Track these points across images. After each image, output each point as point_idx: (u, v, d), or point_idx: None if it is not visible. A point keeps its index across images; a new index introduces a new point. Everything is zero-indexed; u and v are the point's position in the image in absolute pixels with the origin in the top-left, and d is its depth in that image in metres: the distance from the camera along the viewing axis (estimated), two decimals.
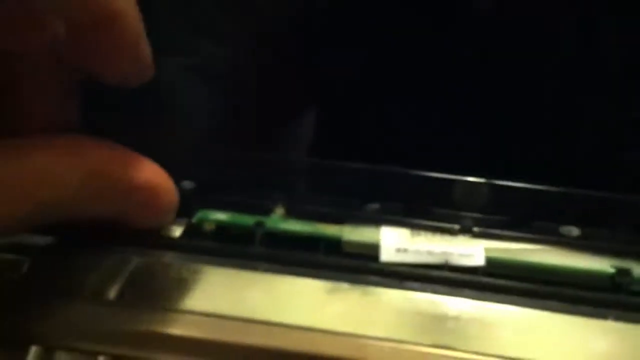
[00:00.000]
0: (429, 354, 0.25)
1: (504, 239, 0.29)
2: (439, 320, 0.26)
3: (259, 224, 0.30)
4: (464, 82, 0.29)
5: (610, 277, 0.28)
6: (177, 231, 0.31)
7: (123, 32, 0.22)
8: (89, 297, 0.27)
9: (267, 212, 0.31)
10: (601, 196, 0.29)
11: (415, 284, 0.28)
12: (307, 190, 0.31)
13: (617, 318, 0.26)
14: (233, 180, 0.31)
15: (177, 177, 0.31)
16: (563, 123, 0.29)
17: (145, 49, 0.24)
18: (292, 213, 0.31)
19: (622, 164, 0.29)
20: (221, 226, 0.31)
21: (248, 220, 0.30)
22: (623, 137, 0.29)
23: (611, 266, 0.28)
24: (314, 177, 0.31)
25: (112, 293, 0.27)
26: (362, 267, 0.28)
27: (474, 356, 0.25)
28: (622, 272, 0.28)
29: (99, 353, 0.27)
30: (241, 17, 0.31)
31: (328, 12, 0.30)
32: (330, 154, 0.30)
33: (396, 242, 0.29)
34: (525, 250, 0.29)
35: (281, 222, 0.30)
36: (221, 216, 0.31)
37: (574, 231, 0.29)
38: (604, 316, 0.26)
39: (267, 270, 0.28)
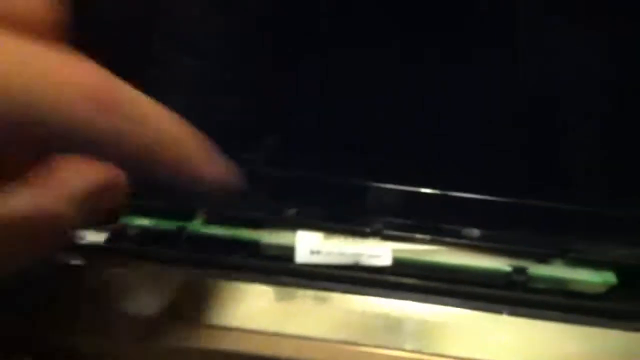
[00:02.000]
0: (338, 349, 0.27)
1: (410, 241, 0.31)
2: (349, 317, 0.28)
3: (181, 228, 0.31)
4: (377, 88, 0.31)
5: (507, 275, 0.30)
6: (102, 236, 0.32)
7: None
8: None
9: (189, 218, 0.32)
10: (499, 200, 0.31)
11: (327, 284, 0.29)
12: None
13: (512, 313, 0.29)
14: (156, 187, 0.32)
15: None
16: (463, 132, 0.31)
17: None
18: (213, 219, 0.32)
19: (522, 169, 0.32)
20: (146, 230, 0.32)
21: (171, 225, 0.32)
22: (518, 144, 0.31)
23: (508, 265, 0.30)
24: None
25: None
26: (278, 268, 0.30)
27: (377, 350, 0.27)
28: (518, 271, 0.30)
29: None
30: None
31: None
32: (250, 159, 0.32)
33: (310, 245, 0.31)
34: (430, 251, 0.31)
35: (203, 226, 0.32)
36: (145, 221, 0.32)
37: (475, 232, 0.31)
38: (499, 311, 0.29)
39: (188, 272, 0.30)
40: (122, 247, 0.31)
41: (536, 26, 0.30)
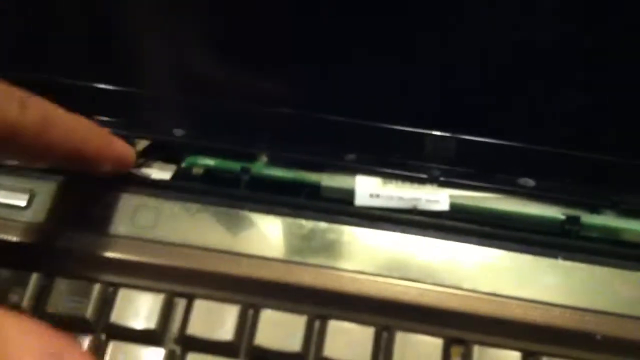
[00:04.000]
0: (398, 285, 0.29)
1: (467, 188, 0.32)
2: (407, 257, 0.29)
3: (245, 170, 0.32)
4: (429, 43, 0.32)
5: (561, 223, 0.31)
6: (167, 175, 0.33)
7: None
8: (93, 229, 0.30)
9: (252, 159, 0.33)
10: (554, 151, 0.32)
11: (386, 225, 0.30)
12: (290, 140, 0.33)
13: (565, 258, 0.30)
14: (221, 129, 0.33)
15: (168, 125, 0.34)
16: (519, 85, 0.32)
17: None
18: (276, 161, 0.33)
19: (572, 122, 0.32)
20: (209, 171, 0.33)
21: (234, 165, 0.33)
22: (574, 98, 0.31)
23: (562, 214, 0.31)
24: (297, 128, 0.33)
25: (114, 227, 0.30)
26: (339, 210, 0.31)
27: (437, 288, 0.29)
28: (572, 220, 0.31)
29: (95, 280, 0.29)
30: None
31: None
32: (311, 107, 0.33)
33: (370, 189, 0.32)
34: (486, 198, 0.32)
35: (265, 168, 0.33)
36: (209, 161, 0.33)
37: (530, 182, 0.32)
38: (554, 256, 0.30)
39: (251, 210, 0.31)
40: (186, 185, 0.32)
41: None
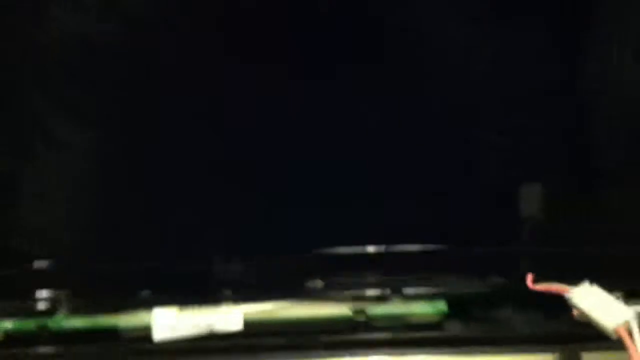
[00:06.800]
0: None
1: (259, 301, 0.33)
2: None
3: (42, 326, 0.33)
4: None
5: (349, 319, 0.33)
6: None
7: None
8: None
9: (52, 313, 0.33)
10: (338, 253, 0.34)
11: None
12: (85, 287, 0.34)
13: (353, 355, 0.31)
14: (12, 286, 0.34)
15: None
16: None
17: None
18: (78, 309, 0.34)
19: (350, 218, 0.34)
20: (8, 333, 0.33)
21: (31, 324, 0.33)
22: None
23: (350, 309, 0.33)
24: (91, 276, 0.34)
25: None
26: (138, 351, 0.32)
27: None
28: (358, 312, 0.33)
29: None
30: None
31: None
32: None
33: (167, 321, 0.33)
34: (279, 307, 0.33)
35: (64, 320, 0.33)
36: (7, 324, 0.33)
37: (319, 283, 0.34)
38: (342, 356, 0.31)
39: None
40: None
41: None
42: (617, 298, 0.31)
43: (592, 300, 0.31)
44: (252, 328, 0.32)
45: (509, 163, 0.34)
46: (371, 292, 0.33)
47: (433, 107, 0.33)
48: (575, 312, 0.31)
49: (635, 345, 0.28)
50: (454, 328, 0.32)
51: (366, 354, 0.31)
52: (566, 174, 0.34)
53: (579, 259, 0.33)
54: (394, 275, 0.34)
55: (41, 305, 0.34)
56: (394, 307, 0.33)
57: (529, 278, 0.32)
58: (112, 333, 0.33)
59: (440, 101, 0.33)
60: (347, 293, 0.33)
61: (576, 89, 0.34)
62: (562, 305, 0.32)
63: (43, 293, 0.34)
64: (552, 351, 0.31)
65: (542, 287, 0.32)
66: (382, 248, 0.34)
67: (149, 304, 0.33)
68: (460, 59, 0.33)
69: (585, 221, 0.33)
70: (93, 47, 0.32)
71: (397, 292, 0.33)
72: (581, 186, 0.34)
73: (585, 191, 0.34)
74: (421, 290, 0.33)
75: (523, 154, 0.34)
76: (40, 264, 0.34)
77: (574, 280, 0.31)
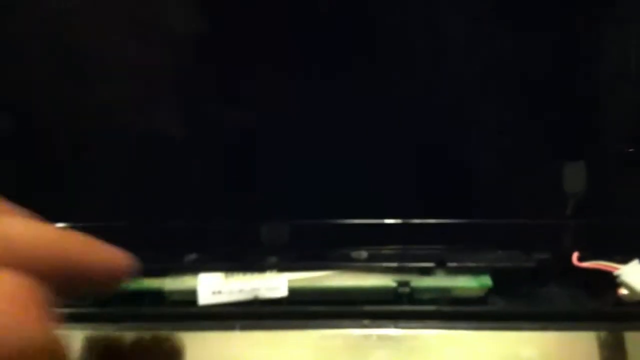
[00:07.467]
0: None
1: (304, 270, 0.33)
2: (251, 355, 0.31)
3: None
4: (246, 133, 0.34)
5: (393, 289, 0.33)
6: None
7: None
8: None
9: None
10: (385, 223, 0.34)
11: (229, 323, 0.32)
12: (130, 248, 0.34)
13: (398, 327, 0.31)
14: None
15: None
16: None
17: None
18: None
19: (397, 191, 0.34)
20: None
21: None
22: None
23: (393, 281, 0.33)
24: (136, 236, 0.34)
25: None
26: (181, 314, 0.32)
27: None
28: (403, 284, 0.33)
29: None
30: None
31: None
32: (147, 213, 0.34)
33: (212, 286, 0.33)
34: (323, 277, 0.33)
35: None
36: None
37: (364, 254, 0.34)
38: (387, 326, 0.31)
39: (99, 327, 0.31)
40: None
41: None
42: None
43: None
44: (297, 295, 0.33)
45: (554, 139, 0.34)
46: (415, 264, 0.33)
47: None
48: (621, 291, 0.31)
49: None
50: (498, 303, 0.32)
51: (409, 326, 0.31)
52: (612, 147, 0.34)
53: (628, 235, 0.33)
54: (439, 248, 0.34)
55: None
56: (438, 280, 0.33)
57: (575, 255, 0.32)
58: (158, 296, 0.33)
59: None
60: (391, 264, 0.33)
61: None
62: (607, 282, 0.32)
63: None
64: (596, 329, 0.31)
65: (588, 264, 0.32)
66: (427, 221, 0.34)
67: (195, 269, 0.34)
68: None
69: (635, 197, 0.33)
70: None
71: (441, 266, 0.33)
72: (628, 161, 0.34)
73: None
74: (466, 264, 0.33)
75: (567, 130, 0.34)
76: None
77: (622, 257, 0.31)
